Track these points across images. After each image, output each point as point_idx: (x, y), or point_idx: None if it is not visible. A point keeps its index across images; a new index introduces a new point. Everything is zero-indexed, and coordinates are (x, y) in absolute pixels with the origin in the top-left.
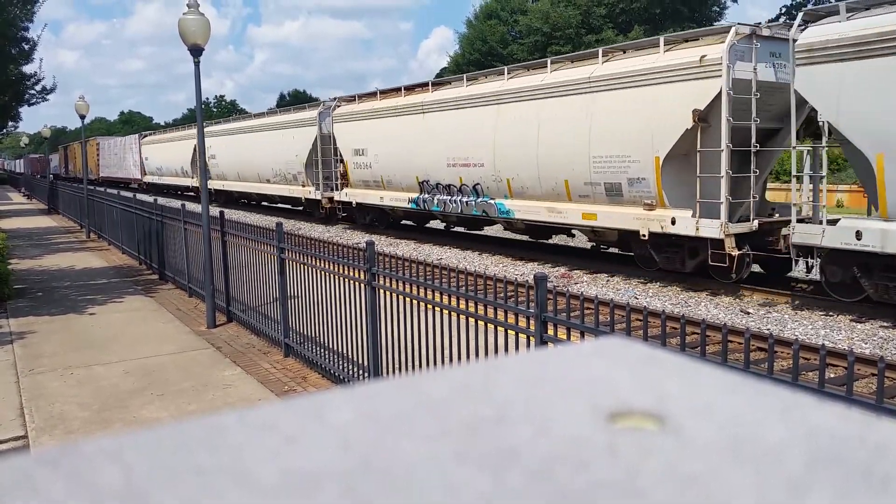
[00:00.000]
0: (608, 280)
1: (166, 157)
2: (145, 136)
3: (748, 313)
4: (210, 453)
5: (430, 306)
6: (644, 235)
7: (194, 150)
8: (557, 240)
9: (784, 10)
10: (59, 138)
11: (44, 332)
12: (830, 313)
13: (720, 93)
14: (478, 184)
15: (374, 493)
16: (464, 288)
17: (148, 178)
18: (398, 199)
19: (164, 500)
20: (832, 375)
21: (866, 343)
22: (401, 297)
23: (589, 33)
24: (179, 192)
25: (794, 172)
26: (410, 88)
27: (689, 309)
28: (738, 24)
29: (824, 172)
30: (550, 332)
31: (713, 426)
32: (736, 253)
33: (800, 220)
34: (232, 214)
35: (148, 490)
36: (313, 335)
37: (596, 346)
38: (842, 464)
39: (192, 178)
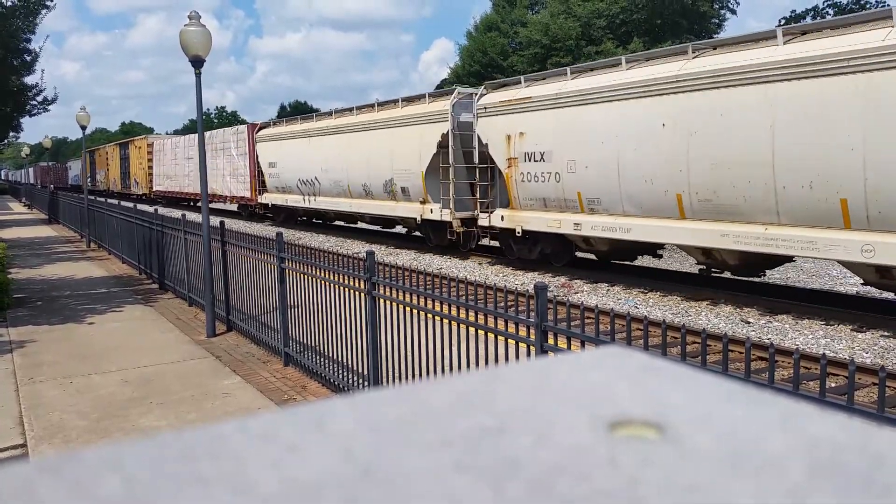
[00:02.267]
0: (608, 289)
1: (336, 160)
2: (262, 127)
3: (749, 323)
4: (211, 462)
5: (430, 316)
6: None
7: (442, 141)
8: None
9: (783, 21)
10: (61, 149)
11: (43, 342)
12: (831, 323)
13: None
14: None
15: (374, 503)
16: (464, 297)
17: (269, 198)
18: None
19: None
20: (833, 385)
21: (867, 352)
22: (401, 307)
23: (589, 45)
24: (359, 220)
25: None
26: None
27: (690, 319)
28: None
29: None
30: (551, 341)
31: (713, 436)
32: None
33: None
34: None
35: (149, 499)
36: (313, 344)
37: (596, 356)
38: (842, 473)
39: (441, 207)
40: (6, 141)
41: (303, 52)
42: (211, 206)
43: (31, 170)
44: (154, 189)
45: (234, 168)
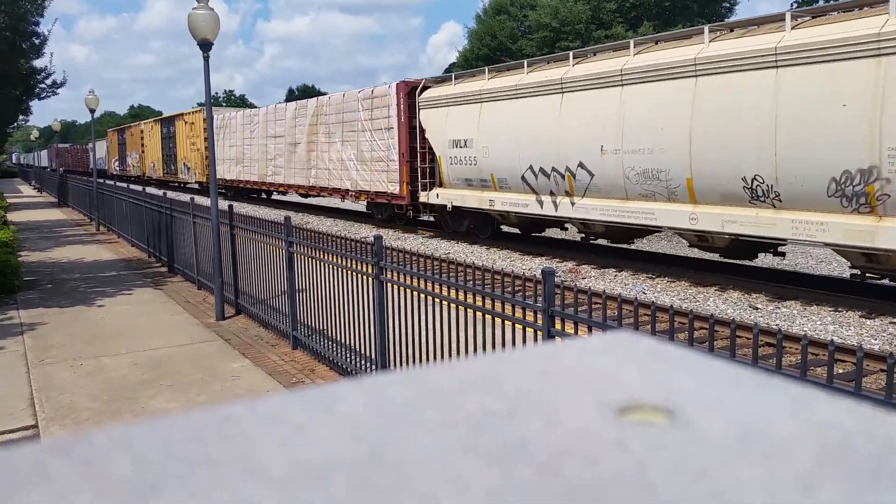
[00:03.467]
0: (616, 275)
1: (645, 133)
2: (425, 87)
3: (757, 308)
4: (220, 443)
5: (437, 300)
6: None
7: None
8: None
9: (794, 3)
10: (70, 131)
11: (54, 324)
12: (839, 309)
13: None
14: None
15: (382, 485)
16: (471, 282)
17: (448, 196)
18: None
19: (174, 489)
20: (840, 371)
21: (875, 339)
22: (408, 291)
23: (599, 28)
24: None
25: None
26: None
27: (698, 304)
28: None
29: None
30: (558, 326)
31: (722, 420)
32: None
33: None
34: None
35: (158, 479)
36: (321, 328)
37: (604, 341)
38: (851, 459)
39: None
40: (16, 124)
41: (311, 36)
42: (313, 202)
43: (44, 152)
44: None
45: (364, 150)
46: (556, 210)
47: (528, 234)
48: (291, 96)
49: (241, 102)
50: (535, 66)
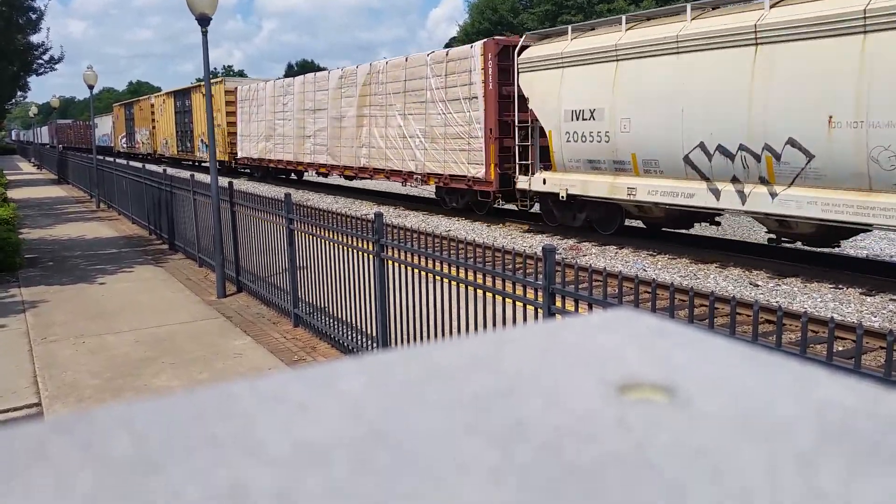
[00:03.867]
0: (616, 252)
1: None
2: (524, 46)
3: (757, 286)
4: (222, 422)
5: (438, 277)
6: None
7: None
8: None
9: None
10: (69, 108)
11: (55, 302)
12: (840, 286)
13: None
14: None
15: (384, 464)
16: (472, 259)
17: (560, 181)
18: None
19: (175, 468)
20: (840, 348)
21: (875, 316)
22: (409, 269)
23: (601, 2)
24: None
25: None
26: None
27: (698, 281)
28: None
29: None
30: (558, 304)
31: (723, 399)
32: None
33: None
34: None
35: (160, 458)
36: (323, 305)
37: (605, 318)
38: (852, 437)
39: None
40: (14, 101)
41: (309, 10)
42: (360, 185)
43: (44, 129)
44: (239, 155)
45: (435, 124)
46: (744, 203)
47: (660, 231)
48: (290, 71)
49: (239, 77)
50: (701, 12)
